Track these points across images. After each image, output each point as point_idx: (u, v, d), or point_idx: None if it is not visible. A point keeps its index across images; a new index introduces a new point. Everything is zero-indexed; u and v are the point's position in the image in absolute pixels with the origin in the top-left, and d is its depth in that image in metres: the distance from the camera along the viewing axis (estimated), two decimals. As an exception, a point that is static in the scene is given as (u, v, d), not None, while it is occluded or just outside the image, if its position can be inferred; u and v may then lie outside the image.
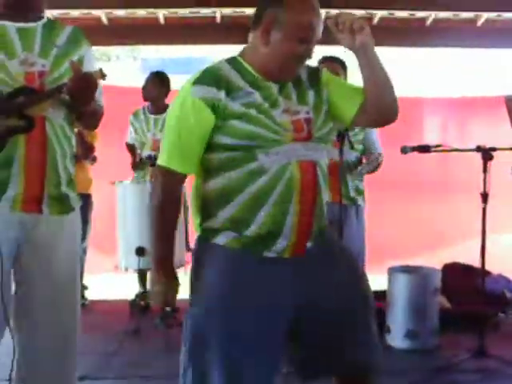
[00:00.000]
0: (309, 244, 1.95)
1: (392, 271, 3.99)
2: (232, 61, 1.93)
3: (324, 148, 1.96)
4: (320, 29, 1.87)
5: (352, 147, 3.60)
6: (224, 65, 1.91)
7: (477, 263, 4.26)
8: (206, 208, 1.95)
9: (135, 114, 4.75)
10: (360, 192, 3.81)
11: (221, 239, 1.92)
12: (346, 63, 3.68)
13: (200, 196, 1.97)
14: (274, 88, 1.90)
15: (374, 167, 3.68)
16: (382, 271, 4.26)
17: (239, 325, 1.85)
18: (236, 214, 1.89)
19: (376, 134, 3.84)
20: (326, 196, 1.97)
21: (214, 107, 1.82)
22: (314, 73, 2.03)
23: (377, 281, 4.74)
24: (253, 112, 1.84)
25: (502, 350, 3.57)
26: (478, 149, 3.51)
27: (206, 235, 1.96)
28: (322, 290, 1.95)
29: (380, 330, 3.78)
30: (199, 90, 1.83)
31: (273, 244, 1.90)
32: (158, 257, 1.94)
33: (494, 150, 3.49)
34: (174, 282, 1.94)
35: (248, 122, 1.83)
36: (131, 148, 4.78)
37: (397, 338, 3.86)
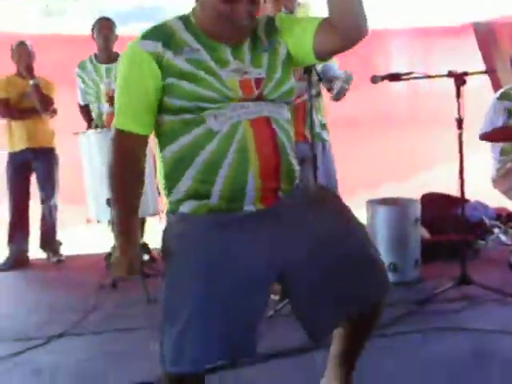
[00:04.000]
0: (280, 194, 1.84)
1: (371, 204, 3.92)
2: (183, 18, 1.85)
3: (279, 107, 1.86)
4: None
5: (320, 79, 3.44)
6: (176, 21, 1.84)
7: (448, 189, 4.26)
8: (168, 177, 1.85)
9: (81, 66, 4.52)
10: (324, 126, 3.66)
11: (186, 207, 1.82)
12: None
13: (161, 165, 1.87)
14: (225, 49, 1.80)
15: (345, 90, 3.39)
16: (356, 205, 4.19)
17: (218, 288, 1.71)
18: (194, 182, 1.79)
19: (335, 62, 3.52)
20: (289, 149, 1.86)
21: (159, 62, 1.75)
22: (270, 24, 1.92)
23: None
24: (196, 70, 1.76)
25: (484, 277, 3.58)
26: (450, 74, 3.43)
27: (171, 207, 1.87)
28: (307, 237, 1.82)
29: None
30: (145, 45, 1.77)
31: (239, 205, 1.79)
32: (120, 224, 1.82)
33: (466, 74, 3.42)
34: (136, 251, 1.84)
35: (192, 81, 1.75)
36: (85, 110, 4.56)
37: (379, 272, 3.81)
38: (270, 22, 1.93)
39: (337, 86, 3.30)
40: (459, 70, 3.46)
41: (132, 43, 1.80)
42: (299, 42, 1.87)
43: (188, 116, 1.76)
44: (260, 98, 1.81)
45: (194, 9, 1.85)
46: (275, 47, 1.88)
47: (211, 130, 1.75)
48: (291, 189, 1.87)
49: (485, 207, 4.65)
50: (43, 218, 4.84)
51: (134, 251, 1.82)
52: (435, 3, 6.24)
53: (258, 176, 1.78)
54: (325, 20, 1.83)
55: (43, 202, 4.80)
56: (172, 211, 1.86)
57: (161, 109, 1.80)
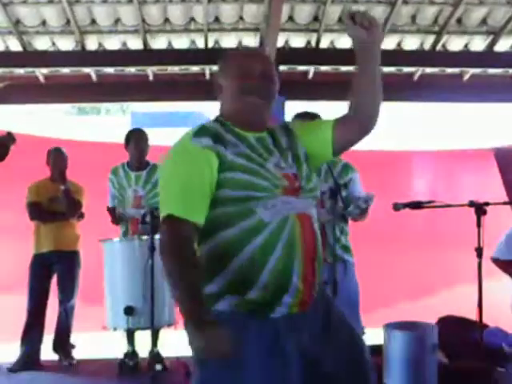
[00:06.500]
0: (314, 296, 1.91)
1: (388, 328, 3.87)
2: (216, 119, 1.98)
3: (312, 203, 1.96)
4: (267, 67, 1.95)
5: (347, 206, 3.49)
6: (212, 123, 1.95)
7: (466, 312, 4.20)
8: (205, 271, 1.86)
9: (114, 172, 4.71)
10: (346, 248, 3.69)
11: (223, 305, 1.82)
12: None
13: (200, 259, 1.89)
14: (257, 144, 1.91)
15: (363, 210, 3.43)
16: (373, 323, 4.16)
17: None
18: (236, 277, 1.80)
19: (360, 187, 3.68)
20: (320, 247, 1.95)
21: (216, 155, 1.82)
22: (287, 129, 2.06)
23: (368, 333, 4.65)
24: (246, 162, 1.84)
25: (504, 408, 3.47)
26: (472, 204, 3.47)
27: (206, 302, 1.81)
28: (324, 348, 1.91)
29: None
30: (198, 141, 1.84)
31: (279, 303, 1.83)
32: (190, 311, 1.68)
33: (487, 204, 3.44)
34: (216, 330, 1.65)
35: (245, 172, 1.82)
36: (113, 212, 4.65)
37: (395, 398, 3.72)
38: (285, 126, 2.08)
39: (353, 207, 3.37)
40: (481, 193, 3.52)
41: (184, 142, 1.87)
42: (318, 138, 2.00)
43: (238, 207, 1.80)
44: (299, 189, 1.89)
45: (220, 108, 2.00)
46: (295, 147, 1.99)
47: (262, 221, 1.80)
48: (319, 292, 1.93)
49: (504, 334, 4.54)
50: (59, 320, 4.80)
51: (212, 332, 1.64)
52: (458, 129, 6.43)
53: (302, 271, 1.83)
54: (341, 117, 2.00)
55: (61, 303, 4.78)
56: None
57: (212, 203, 1.82)
